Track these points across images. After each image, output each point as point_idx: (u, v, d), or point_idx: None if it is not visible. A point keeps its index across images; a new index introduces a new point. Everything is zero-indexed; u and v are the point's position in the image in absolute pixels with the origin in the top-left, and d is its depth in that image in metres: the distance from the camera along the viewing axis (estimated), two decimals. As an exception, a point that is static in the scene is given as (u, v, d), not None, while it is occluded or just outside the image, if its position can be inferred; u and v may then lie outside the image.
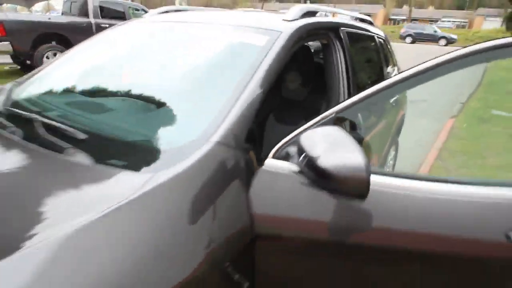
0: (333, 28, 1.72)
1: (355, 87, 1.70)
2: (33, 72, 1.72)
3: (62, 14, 7.70)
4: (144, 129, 1.15)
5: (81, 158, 0.98)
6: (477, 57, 0.96)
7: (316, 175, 0.88)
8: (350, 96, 1.59)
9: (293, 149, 1.00)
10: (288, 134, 1.05)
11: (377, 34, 2.57)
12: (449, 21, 42.06)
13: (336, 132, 0.90)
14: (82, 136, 1.03)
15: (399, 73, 1.06)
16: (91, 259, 0.69)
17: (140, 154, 1.02)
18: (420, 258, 0.93)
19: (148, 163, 0.94)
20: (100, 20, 7.54)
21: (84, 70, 1.64)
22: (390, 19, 53.25)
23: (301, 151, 0.93)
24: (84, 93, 1.44)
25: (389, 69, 2.73)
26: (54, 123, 1.08)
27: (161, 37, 1.73)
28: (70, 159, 0.99)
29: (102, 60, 1.69)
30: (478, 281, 0.96)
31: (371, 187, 0.82)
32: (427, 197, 0.91)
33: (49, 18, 6.80)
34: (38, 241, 0.70)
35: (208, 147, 0.95)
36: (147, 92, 1.32)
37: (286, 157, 1.01)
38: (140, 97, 1.30)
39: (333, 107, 1.07)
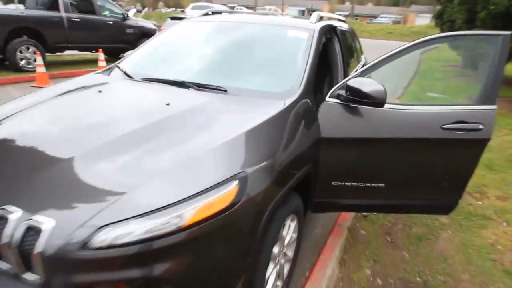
0: (335, 28, 2.62)
1: (347, 65, 2.63)
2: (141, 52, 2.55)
3: (26, 7, 7.64)
4: (266, 84, 2.00)
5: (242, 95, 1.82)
6: (414, 48, 1.92)
7: (360, 97, 1.74)
8: (345, 71, 2.54)
9: (340, 91, 1.86)
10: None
11: (351, 30, 3.53)
12: (386, 17, 46.06)
13: (365, 79, 1.80)
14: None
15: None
16: (254, 143, 1.47)
17: (271, 94, 1.84)
18: (403, 142, 1.87)
19: (279, 97, 1.76)
20: (71, 15, 7.67)
21: (191, 51, 2.46)
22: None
23: (348, 89, 1.79)
24: (211, 63, 2.28)
25: (361, 55, 3.78)
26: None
27: (231, 31, 2.49)
28: (234, 97, 1.80)
29: (198, 45, 2.48)
30: (427, 150, 1.93)
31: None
32: (406, 111, 1.86)
33: (22, 12, 6.79)
34: (230, 137, 1.44)
35: (299, 92, 1.82)
36: (255, 64, 2.18)
37: (337, 96, 1.87)
38: (251, 67, 2.17)
39: (337, 77, 1.99)
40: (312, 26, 2.28)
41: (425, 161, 2.00)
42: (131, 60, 2.51)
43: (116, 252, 1.00)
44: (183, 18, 4.81)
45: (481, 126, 1.91)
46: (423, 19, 45.33)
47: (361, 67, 1.98)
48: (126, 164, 1.24)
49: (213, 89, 1.92)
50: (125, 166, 1.23)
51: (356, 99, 1.77)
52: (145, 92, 1.99)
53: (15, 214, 1.07)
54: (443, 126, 1.89)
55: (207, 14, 2.83)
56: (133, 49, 2.81)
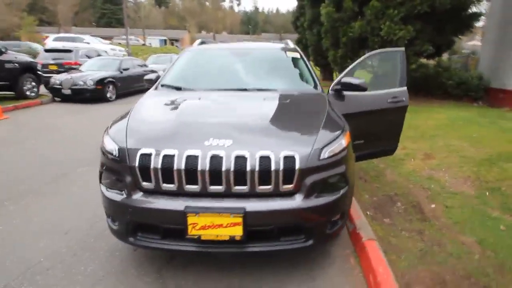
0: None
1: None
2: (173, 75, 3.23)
3: None
4: (298, 86, 3.08)
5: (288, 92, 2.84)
6: (358, 66, 3.47)
7: (351, 88, 3.06)
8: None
9: (337, 86, 3.14)
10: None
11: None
12: (245, 44, 52.31)
13: (352, 77, 3.16)
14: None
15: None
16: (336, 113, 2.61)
17: (308, 90, 2.96)
18: (371, 112, 3.31)
19: (315, 91, 2.89)
20: None
21: (222, 68, 3.33)
22: (197, 43, 60.73)
23: (344, 83, 3.08)
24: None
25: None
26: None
27: (235, 55, 3.47)
28: (287, 93, 2.80)
29: (224, 64, 3.34)
30: (382, 115, 3.43)
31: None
32: (371, 94, 3.33)
33: None
34: (326, 109, 2.55)
35: (319, 89, 3.03)
36: (277, 73, 3.22)
37: (335, 89, 3.14)
38: (275, 76, 3.19)
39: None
40: (293, 47, 3.59)
41: (381, 122, 3.51)
42: (172, 80, 3.19)
43: (330, 160, 1.97)
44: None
45: (403, 99, 3.55)
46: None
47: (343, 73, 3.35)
48: (299, 121, 2.21)
49: (267, 90, 2.92)
50: (299, 123, 2.19)
51: (348, 88, 3.08)
52: (233, 95, 2.80)
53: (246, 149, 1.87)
54: (388, 101, 3.44)
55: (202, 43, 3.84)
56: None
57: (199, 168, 1.81)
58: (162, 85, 3.11)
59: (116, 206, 1.98)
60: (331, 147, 2.01)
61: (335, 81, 3.27)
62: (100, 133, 2.40)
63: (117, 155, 1.97)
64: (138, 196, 1.90)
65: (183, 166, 1.82)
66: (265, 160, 1.84)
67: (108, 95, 10.18)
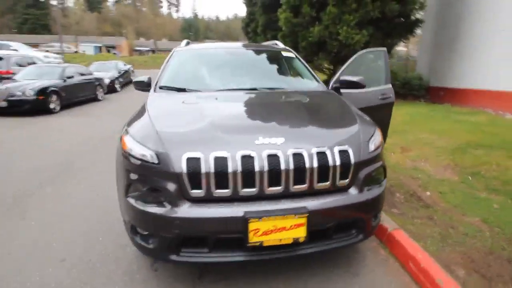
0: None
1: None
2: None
3: None
4: (302, 85, 3.05)
5: (298, 91, 2.80)
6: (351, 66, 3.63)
7: (351, 85, 3.16)
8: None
9: (335, 84, 3.22)
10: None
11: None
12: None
13: (350, 75, 3.27)
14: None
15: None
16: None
17: (316, 89, 2.95)
18: (366, 108, 3.46)
19: (324, 89, 2.91)
20: None
21: (223, 69, 3.19)
22: (136, 50, 58.11)
23: (342, 81, 3.17)
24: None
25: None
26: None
27: (231, 55, 3.37)
28: (296, 92, 2.78)
29: (223, 64, 3.21)
30: (374, 110, 3.62)
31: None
32: (365, 91, 3.48)
33: None
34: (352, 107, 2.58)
35: (324, 87, 3.06)
36: (280, 74, 3.18)
37: (334, 87, 3.21)
38: (277, 76, 3.15)
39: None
40: (286, 47, 3.62)
41: (374, 118, 3.68)
42: (172, 82, 2.98)
43: (375, 153, 1.98)
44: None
45: (391, 95, 3.77)
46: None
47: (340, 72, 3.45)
48: (332, 117, 2.21)
49: (277, 89, 2.89)
50: (333, 119, 2.19)
51: (347, 86, 3.19)
52: (247, 95, 2.71)
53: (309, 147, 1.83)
54: (379, 97, 3.63)
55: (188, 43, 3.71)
56: None
57: (256, 168, 1.70)
58: (161, 87, 2.89)
59: (157, 221, 1.75)
60: (374, 140, 2.04)
61: (334, 79, 3.36)
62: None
63: (155, 162, 1.76)
64: (185, 206, 1.72)
65: (239, 168, 1.69)
66: (322, 156, 1.80)
67: (52, 106, 9.17)
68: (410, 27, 9.01)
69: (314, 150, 1.79)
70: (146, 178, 1.79)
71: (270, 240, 1.71)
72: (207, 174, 1.69)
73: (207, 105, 2.33)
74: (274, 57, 3.53)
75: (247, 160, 1.71)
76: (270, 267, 2.28)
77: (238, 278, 2.17)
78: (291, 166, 1.73)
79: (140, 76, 3.24)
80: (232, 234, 1.72)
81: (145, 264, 2.35)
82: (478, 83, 8.30)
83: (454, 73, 9.29)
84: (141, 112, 2.32)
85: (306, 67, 3.42)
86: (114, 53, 44.58)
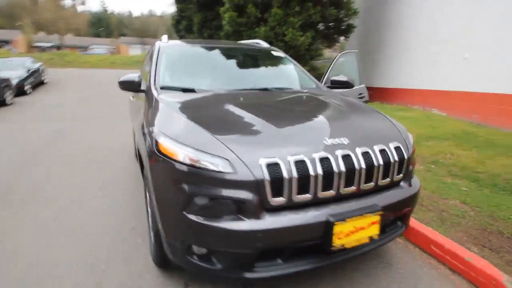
0: None
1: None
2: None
3: None
4: (306, 84, 3.06)
5: (305, 91, 2.83)
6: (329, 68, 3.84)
7: (341, 85, 3.31)
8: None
9: (327, 84, 3.35)
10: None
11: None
12: (102, 47, 47.08)
13: (339, 76, 3.44)
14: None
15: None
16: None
17: (319, 89, 3.00)
18: None
19: (325, 90, 2.98)
20: None
21: (222, 67, 3.05)
22: (36, 46, 50.72)
23: (333, 81, 3.30)
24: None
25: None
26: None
27: (224, 54, 3.23)
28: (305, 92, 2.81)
29: (220, 63, 3.02)
30: None
31: None
32: (346, 90, 3.70)
33: None
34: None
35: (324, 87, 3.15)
36: (279, 74, 3.12)
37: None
38: (278, 76, 3.09)
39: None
40: (271, 47, 3.64)
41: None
42: (174, 82, 2.73)
43: (413, 148, 2.10)
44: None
45: (365, 94, 4.09)
46: (135, 50, 50.39)
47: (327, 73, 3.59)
48: (363, 116, 2.26)
49: (287, 89, 2.88)
50: (366, 117, 2.24)
51: (338, 85, 3.33)
52: (264, 95, 2.64)
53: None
54: (357, 96, 3.90)
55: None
56: None
57: (335, 170, 1.67)
58: (163, 88, 2.61)
59: (234, 236, 1.57)
60: (409, 136, 2.18)
61: (324, 79, 3.49)
62: None
63: (229, 170, 1.58)
64: (267, 216, 1.59)
65: (320, 171, 1.64)
66: (383, 153, 1.85)
67: None
68: (344, 31, 9.81)
69: (376, 148, 1.84)
70: (213, 190, 1.60)
71: (351, 241, 1.70)
72: (290, 179, 1.59)
73: (242, 106, 2.20)
74: (267, 57, 3.49)
75: (326, 161, 1.67)
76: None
77: (291, 282, 2.11)
78: (363, 165, 1.75)
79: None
80: (315, 239, 1.66)
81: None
82: (404, 83, 9.50)
83: (381, 74, 10.46)
84: (167, 115, 2.06)
85: (299, 67, 3.47)
86: (10, 49, 38.25)
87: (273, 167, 1.59)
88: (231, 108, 2.15)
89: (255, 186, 1.57)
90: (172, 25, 17.45)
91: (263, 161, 1.60)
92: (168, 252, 1.85)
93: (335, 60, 3.96)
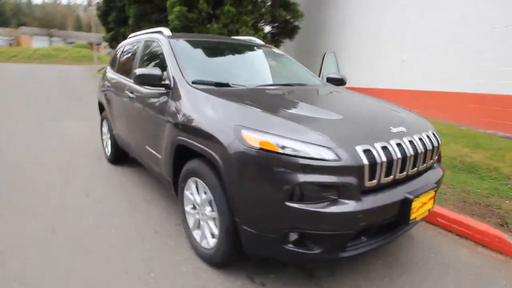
0: None
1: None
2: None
3: None
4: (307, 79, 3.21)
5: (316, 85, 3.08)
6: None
7: (337, 82, 3.61)
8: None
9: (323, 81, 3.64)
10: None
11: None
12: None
13: (334, 74, 3.75)
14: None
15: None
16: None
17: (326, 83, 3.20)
18: None
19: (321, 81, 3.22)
20: None
21: (236, 63, 3.07)
22: None
23: (329, 78, 3.58)
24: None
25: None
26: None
27: (232, 50, 3.26)
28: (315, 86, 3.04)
29: (226, 61, 3.02)
30: None
31: None
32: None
33: None
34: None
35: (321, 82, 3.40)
36: (284, 70, 3.23)
37: None
38: (285, 72, 3.22)
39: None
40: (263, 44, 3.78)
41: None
42: (204, 76, 2.65)
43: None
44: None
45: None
46: (39, 42, 44.24)
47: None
48: (386, 107, 2.52)
49: (307, 85, 3.05)
50: (389, 108, 2.51)
51: (333, 82, 3.59)
52: (297, 90, 2.76)
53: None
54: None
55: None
56: None
57: (407, 154, 1.90)
58: (194, 82, 2.52)
59: (339, 219, 1.68)
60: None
61: (320, 76, 3.75)
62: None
63: (334, 158, 1.68)
64: (365, 198, 1.74)
65: (399, 155, 1.85)
66: (429, 138, 2.15)
67: None
68: (290, 32, 10.33)
69: (424, 134, 2.13)
70: (318, 177, 1.67)
71: (419, 215, 1.96)
72: (381, 163, 1.76)
73: (300, 99, 2.31)
74: (272, 54, 3.58)
75: (401, 147, 1.89)
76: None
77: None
78: (422, 149, 2.02)
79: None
80: (395, 216, 1.86)
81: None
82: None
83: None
84: (234, 108, 2.03)
85: (299, 64, 3.65)
86: None
87: (369, 154, 1.75)
88: (291, 101, 2.23)
89: (357, 171, 1.70)
90: (98, 16, 15.94)
91: (359, 148, 1.74)
92: (252, 246, 1.88)
93: (324, 59, 4.25)
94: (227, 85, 2.56)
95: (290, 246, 1.77)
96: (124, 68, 3.87)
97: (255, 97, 2.35)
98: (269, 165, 1.71)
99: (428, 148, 2.08)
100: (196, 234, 2.39)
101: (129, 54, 3.89)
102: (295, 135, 1.74)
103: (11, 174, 3.92)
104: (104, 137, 4.72)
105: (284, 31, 10.03)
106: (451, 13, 6.63)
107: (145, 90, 3.03)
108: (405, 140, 1.96)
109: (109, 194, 3.47)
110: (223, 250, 2.06)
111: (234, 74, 2.87)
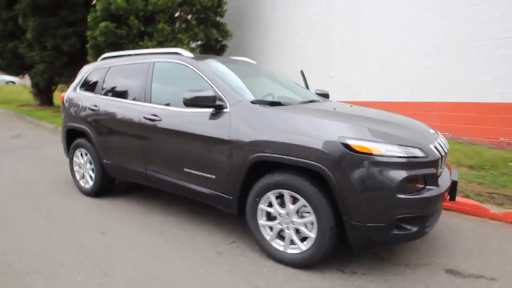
0: None
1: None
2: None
3: None
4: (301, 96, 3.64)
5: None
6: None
7: (325, 97, 4.27)
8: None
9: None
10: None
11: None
12: None
13: (319, 90, 4.39)
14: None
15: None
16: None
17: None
18: None
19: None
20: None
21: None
22: None
23: (317, 93, 4.23)
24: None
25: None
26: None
27: (248, 68, 3.53)
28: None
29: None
30: None
31: None
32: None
33: None
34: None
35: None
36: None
37: None
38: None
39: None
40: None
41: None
42: (253, 95, 2.88)
43: None
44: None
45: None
46: None
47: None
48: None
49: (317, 100, 3.53)
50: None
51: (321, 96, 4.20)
52: (328, 105, 3.18)
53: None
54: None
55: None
56: None
57: (443, 153, 2.50)
58: (253, 102, 2.72)
59: (433, 202, 2.24)
60: None
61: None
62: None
63: (425, 155, 2.23)
64: (439, 183, 2.31)
65: (443, 153, 2.49)
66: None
67: None
68: (219, 50, 10.72)
69: (441, 134, 2.86)
70: (417, 171, 2.19)
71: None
72: (442, 157, 2.40)
73: (351, 113, 2.77)
74: (271, 73, 3.95)
75: (438, 147, 2.48)
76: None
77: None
78: (446, 146, 2.72)
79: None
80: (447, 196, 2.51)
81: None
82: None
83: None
84: (323, 123, 2.36)
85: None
86: None
87: (436, 150, 2.33)
88: (349, 114, 2.67)
89: (436, 163, 2.27)
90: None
91: (432, 146, 2.32)
92: (359, 237, 2.25)
93: (303, 76, 4.79)
94: (278, 103, 2.83)
95: (395, 231, 2.19)
96: (123, 91, 3.65)
97: (321, 113, 2.69)
98: (379, 167, 2.12)
99: (447, 149, 2.80)
100: (276, 243, 2.57)
101: (127, 77, 3.69)
102: (392, 140, 2.21)
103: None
104: (77, 168, 4.22)
105: (213, 49, 10.37)
106: (372, 37, 8.14)
107: (184, 112, 3.00)
108: (439, 140, 2.62)
109: (126, 229, 3.23)
110: (324, 248, 2.33)
111: (271, 92, 3.15)
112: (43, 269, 2.47)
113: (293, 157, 2.33)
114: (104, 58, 4.30)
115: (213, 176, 2.80)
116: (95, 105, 3.82)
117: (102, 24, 8.32)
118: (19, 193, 4.14)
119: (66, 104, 4.29)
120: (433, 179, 2.28)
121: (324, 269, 2.48)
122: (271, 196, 2.52)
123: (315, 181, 2.33)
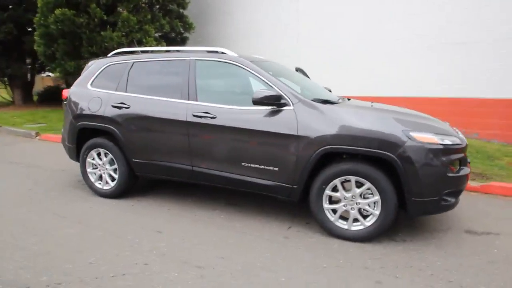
0: None
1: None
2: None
3: None
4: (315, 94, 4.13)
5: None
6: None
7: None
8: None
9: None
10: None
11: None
12: None
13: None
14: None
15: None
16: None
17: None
18: None
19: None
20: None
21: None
22: None
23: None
24: None
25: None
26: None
27: (277, 67, 3.86)
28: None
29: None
30: None
31: None
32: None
33: None
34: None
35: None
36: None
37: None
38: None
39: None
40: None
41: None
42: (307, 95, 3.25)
43: None
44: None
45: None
46: None
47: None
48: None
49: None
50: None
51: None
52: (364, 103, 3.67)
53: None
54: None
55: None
56: None
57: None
58: (313, 100, 3.11)
59: (467, 178, 2.92)
60: None
61: None
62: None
63: (461, 142, 2.88)
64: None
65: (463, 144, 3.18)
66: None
67: None
68: (180, 42, 10.54)
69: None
70: (457, 155, 2.84)
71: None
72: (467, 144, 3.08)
73: (388, 109, 3.29)
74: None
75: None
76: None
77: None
78: None
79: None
80: None
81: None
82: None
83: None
84: (384, 119, 2.88)
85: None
86: None
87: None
88: (388, 110, 3.21)
89: (466, 147, 2.95)
90: None
91: (460, 134, 2.99)
92: (417, 210, 2.81)
93: (305, 74, 5.20)
94: (329, 102, 3.22)
95: (442, 202, 2.81)
96: (157, 88, 3.62)
97: (375, 111, 3.15)
98: (435, 153, 2.70)
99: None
100: (339, 223, 3.00)
101: (159, 74, 3.68)
102: (439, 131, 2.84)
103: None
104: (91, 170, 4.03)
105: (175, 41, 10.16)
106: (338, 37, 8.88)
107: (240, 109, 3.22)
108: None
109: (180, 225, 3.33)
110: (388, 221, 2.83)
111: (311, 91, 3.54)
112: (132, 272, 2.51)
113: (364, 147, 2.78)
114: (116, 54, 4.15)
115: (276, 169, 3.09)
116: (123, 103, 3.70)
117: (58, 11, 7.57)
118: (38, 202, 3.81)
119: (75, 102, 4.03)
120: (464, 161, 2.97)
121: (381, 240, 2.99)
122: (337, 182, 2.93)
123: (379, 167, 2.82)
